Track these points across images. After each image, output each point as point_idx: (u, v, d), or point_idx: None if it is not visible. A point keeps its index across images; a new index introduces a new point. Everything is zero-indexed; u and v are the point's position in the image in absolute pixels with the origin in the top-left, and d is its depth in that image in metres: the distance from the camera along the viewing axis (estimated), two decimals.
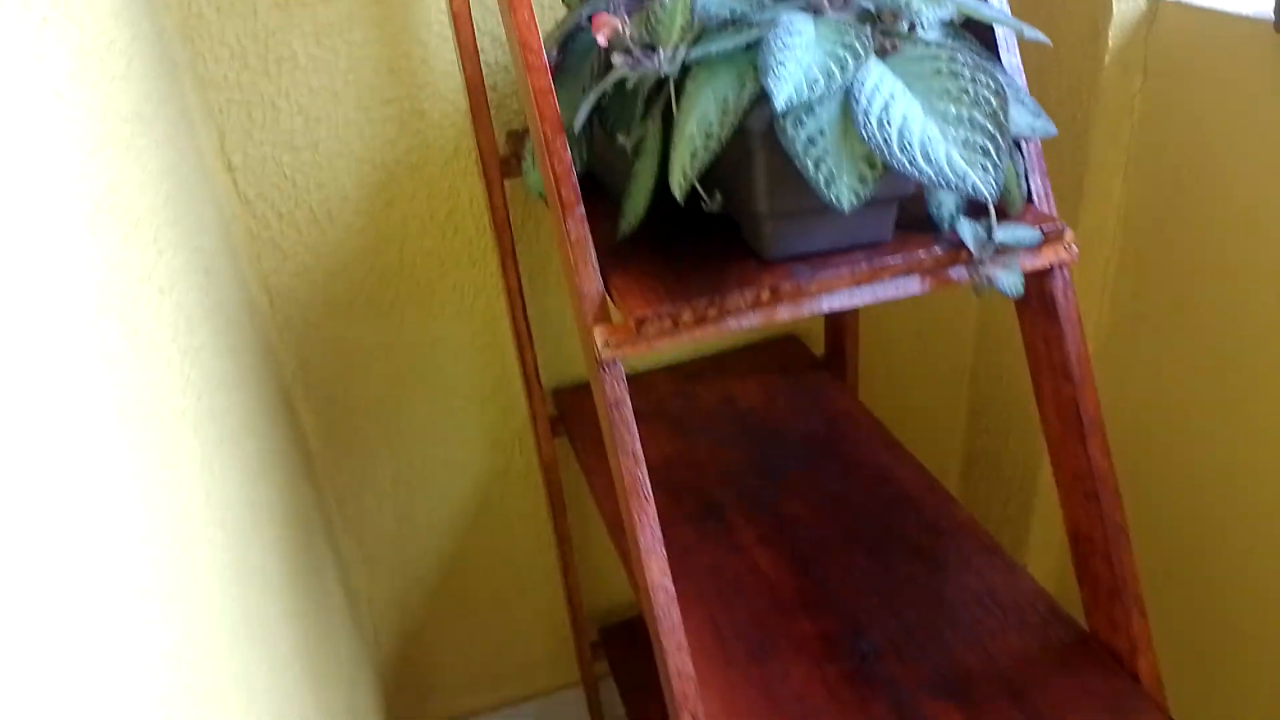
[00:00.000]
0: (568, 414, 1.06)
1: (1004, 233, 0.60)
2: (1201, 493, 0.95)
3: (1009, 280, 0.60)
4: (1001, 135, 0.50)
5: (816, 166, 0.51)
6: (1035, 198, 0.65)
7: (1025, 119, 0.59)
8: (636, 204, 0.61)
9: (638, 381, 1.10)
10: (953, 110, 0.51)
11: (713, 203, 0.59)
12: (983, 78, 0.51)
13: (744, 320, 0.60)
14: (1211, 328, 0.89)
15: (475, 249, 0.99)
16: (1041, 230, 0.62)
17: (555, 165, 0.58)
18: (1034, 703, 0.67)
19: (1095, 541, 0.68)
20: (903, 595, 0.77)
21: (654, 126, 0.59)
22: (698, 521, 0.87)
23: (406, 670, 1.26)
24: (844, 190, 0.51)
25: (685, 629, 0.76)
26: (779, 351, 1.12)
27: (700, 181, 0.60)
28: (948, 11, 0.54)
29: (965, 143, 0.50)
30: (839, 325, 1.08)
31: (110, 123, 0.57)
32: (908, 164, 0.50)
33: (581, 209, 0.59)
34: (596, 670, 1.28)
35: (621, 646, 1.23)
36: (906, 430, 1.25)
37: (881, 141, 0.50)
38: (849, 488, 0.89)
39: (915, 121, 0.51)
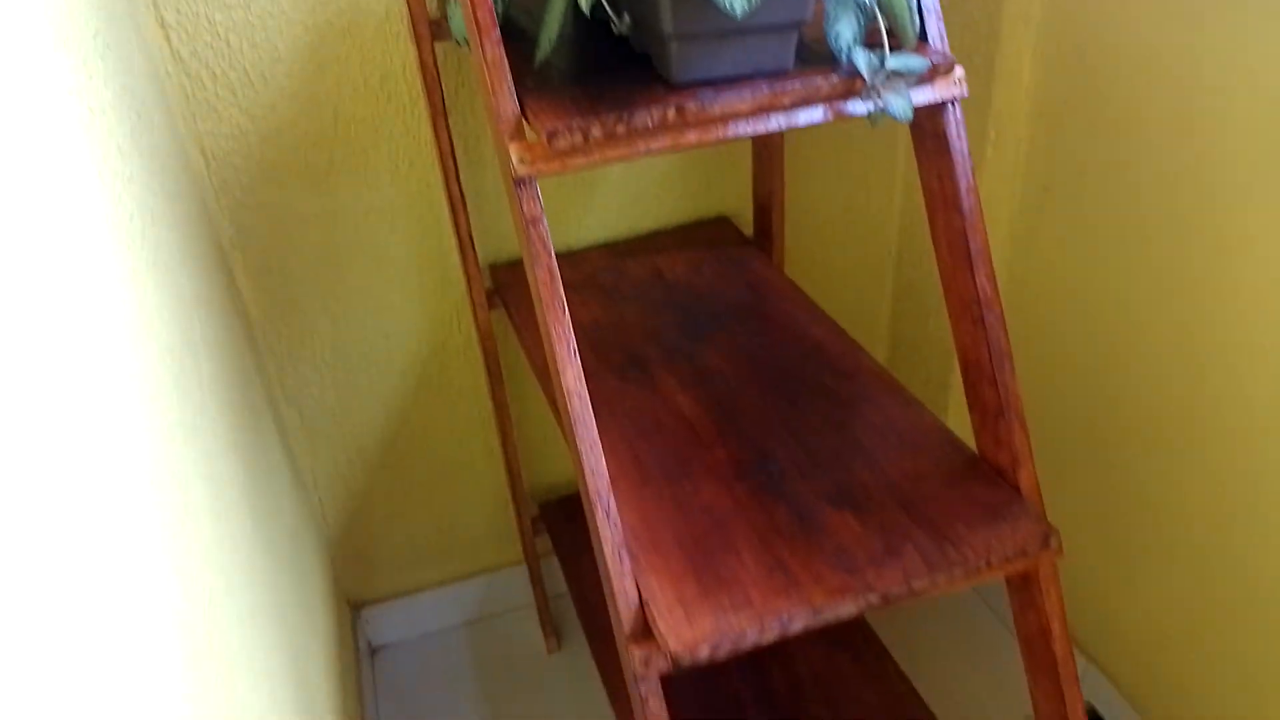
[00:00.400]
0: (504, 288, 1.09)
1: (895, 61, 0.64)
2: (1098, 352, 1.02)
3: (899, 105, 0.64)
4: None
5: None
6: (930, 38, 0.69)
7: None
8: (550, 29, 0.64)
9: (572, 257, 1.13)
10: None
11: (621, 24, 0.62)
12: None
13: (653, 142, 0.64)
14: (1111, 197, 0.95)
15: (410, 117, 1.01)
16: (931, 61, 0.66)
17: None
18: (924, 511, 0.73)
19: (982, 365, 0.74)
20: (809, 427, 0.82)
21: None
22: (622, 373, 0.92)
23: (352, 545, 1.30)
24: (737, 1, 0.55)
25: (612, 464, 0.81)
26: (709, 231, 1.16)
27: (611, 6, 0.63)
28: None
29: None
30: (766, 205, 1.12)
31: None
32: None
33: (498, 33, 0.62)
34: (538, 547, 1.33)
35: (560, 521, 1.29)
36: (834, 312, 1.31)
37: None
38: (766, 343, 0.94)
39: None
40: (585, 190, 1.12)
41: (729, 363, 0.92)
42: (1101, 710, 1.16)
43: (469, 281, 1.05)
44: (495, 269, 1.13)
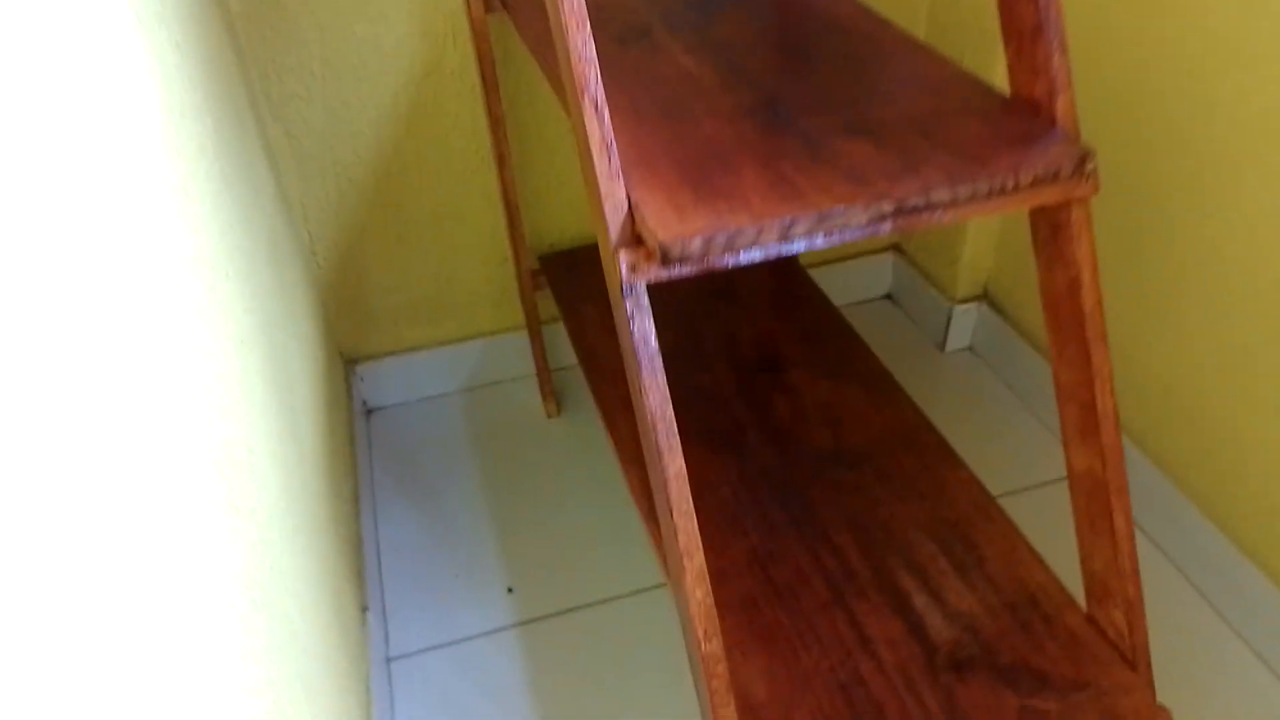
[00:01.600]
0: None
1: None
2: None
3: None
4: None
5: None
6: None
7: None
8: None
9: None
10: None
11: None
12: None
13: None
14: None
15: None
16: None
17: None
18: (948, 138, 0.66)
19: None
20: (823, 76, 0.75)
21: None
22: (621, 40, 0.84)
23: (345, 291, 1.25)
24: None
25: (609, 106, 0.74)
26: None
27: None
28: None
29: None
30: None
31: None
32: None
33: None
34: (540, 311, 1.28)
35: (562, 271, 1.23)
36: None
37: None
38: (783, 17, 0.86)
39: None
40: None
41: (739, 33, 0.84)
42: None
43: None
44: None
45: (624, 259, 0.60)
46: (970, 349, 1.37)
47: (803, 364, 1.04)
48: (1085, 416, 0.71)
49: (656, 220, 0.60)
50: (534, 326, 1.28)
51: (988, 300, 1.32)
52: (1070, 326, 0.69)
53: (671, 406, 0.63)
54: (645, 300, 0.62)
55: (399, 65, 1.09)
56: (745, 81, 0.76)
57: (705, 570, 0.66)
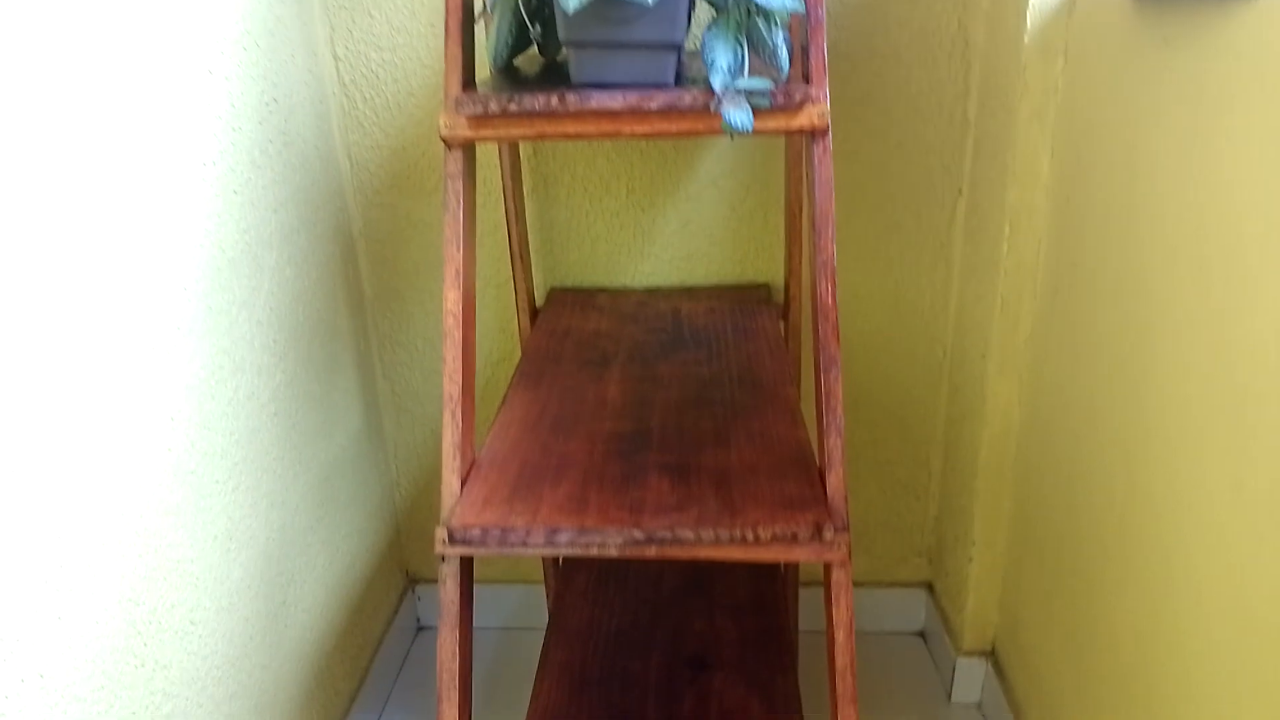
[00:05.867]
0: (547, 306, 1.27)
1: (744, 82, 0.76)
2: (1095, 470, 0.98)
3: (737, 117, 0.75)
4: None
5: None
6: (813, 77, 0.80)
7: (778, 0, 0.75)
8: (498, 38, 0.84)
9: (617, 292, 1.29)
10: None
11: (534, 31, 0.81)
12: None
13: (541, 126, 0.80)
14: (1119, 303, 0.94)
15: (493, 168, 1.25)
16: (780, 90, 0.76)
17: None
18: (732, 489, 0.79)
19: (817, 368, 0.79)
20: (697, 422, 0.90)
21: None
22: (589, 366, 1.05)
23: (418, 520, 1.50)
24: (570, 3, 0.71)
25: (522, 413, 0.94)
26: (746, 293, 1.27)
27: (532, 17, 0.82)
28: None
29: None
30: (790, 277, 1.21)
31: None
32: None
33: (459, 38, 0.83)
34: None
35: None
36: (889, 403, 1.34)
37: None
38: (719, 367, 1.03)
39: None
40: (642, 240, 1.29)
41: (676, 371, 1.02)
42: None
43: (517, 298, 1.24)
44: (551, 291, 1.31)
45: (439, 534, 0.78)
46: (979, 706, 1.33)
47: (731, 669, 1.11)
48: None
49: (463, 509, 0.77)
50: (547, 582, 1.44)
51: (994, 658, 1.30)
52: (829, 680, 0.76)
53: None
54: (456, 569, 0.78)
55: (480, 348, 1.37)
56: (638, 413, 0.93)
57: None
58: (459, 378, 0.81)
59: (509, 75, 0.92)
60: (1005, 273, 1.10)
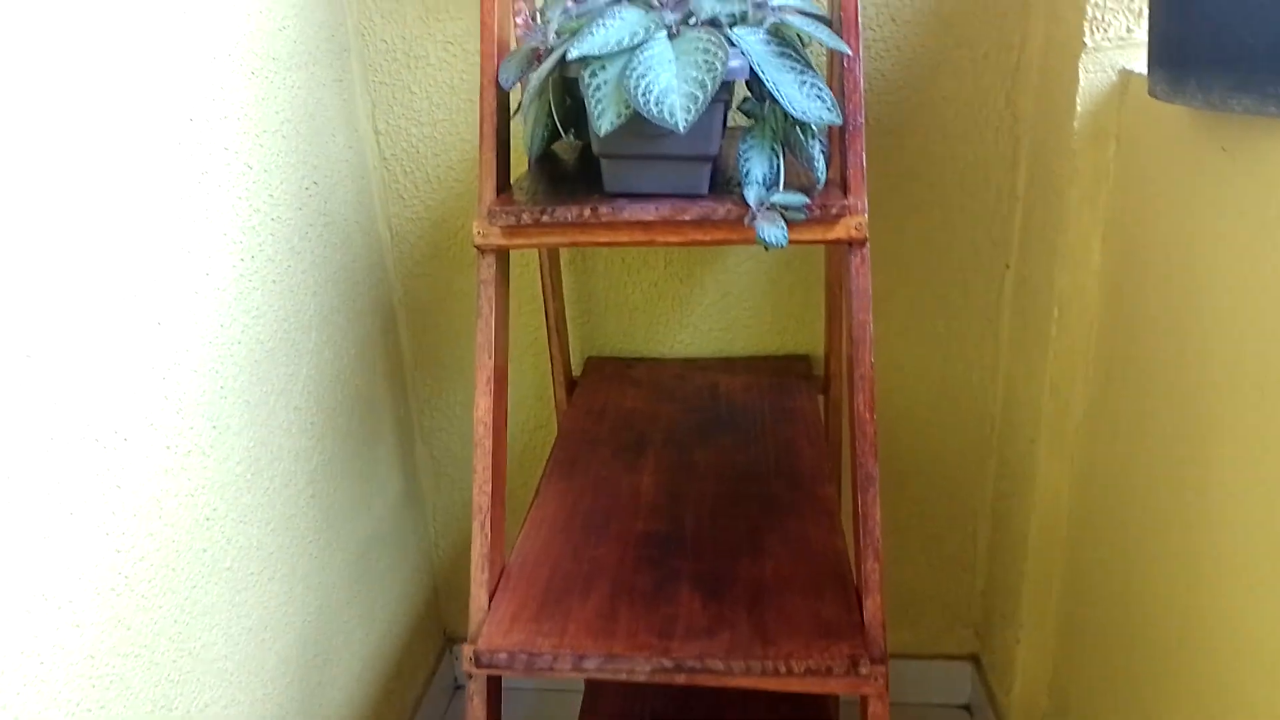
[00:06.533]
0: (583, 377, 1.26)
1: (780, 196, 0.74)
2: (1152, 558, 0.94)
3: (772, 232, 0.74)
4: (710, 85, 0.66)
5: (595, 103, 0.71)
6: (851, 188, 0.78)
7: (816, 109, 0.74)
8: (532, 137, 0.83)
9: (655, 363, 1.28)
10: (692, 72, 0.68)
11: (567, 137, 0.80)
12: (720, 53, 0.68)
13: (574, 235, 0.79)
14: (1170, 396, 0.90)
15: None
16: (816, 202, 0.75)
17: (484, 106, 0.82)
18: (765, 611, 0.77)
19: (854, 487, 0.77)
20: (731, 523, 0.89)
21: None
22: (622, 451, 1.04)
23: (457, 582, 1.50)
24: (605, 122, 0.70)
25: (554, 509, 0.93)
26: (785, 365, 1.24)
27: (566, 126, 0.81)
28: (731, 8, 0.71)
29: (688, 93, 0.67)
30: (831, 353, 1.19)
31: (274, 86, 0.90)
32: (643, 105, 0.68)
33: (494, 145, 0.82)
34: None
35: None
36: (931, 484, 1.31)
37: (635, 93, 0.69)
38: (755, 453, 1.01)
39: (663, 78, 0.69)
40: (680, 310, 1.27)
41: (712, 458, 1.00)
42: None
43: (554, 381, 1.23)
44: (589, 360, 1.30)
45: (468, 651, 0.77)
46: None
47: None
48: None
49: (490, 629, 0.77)
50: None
51: None
52: None
53: None
54: (483, 686, 0.78)
55: (517, 419, 1.36)
56: (671, 510, 0.92)
57: None
58: (489, 488, 0.81)
59: (546, 163, 0.92)
60: (1055, 355, 1.07)
